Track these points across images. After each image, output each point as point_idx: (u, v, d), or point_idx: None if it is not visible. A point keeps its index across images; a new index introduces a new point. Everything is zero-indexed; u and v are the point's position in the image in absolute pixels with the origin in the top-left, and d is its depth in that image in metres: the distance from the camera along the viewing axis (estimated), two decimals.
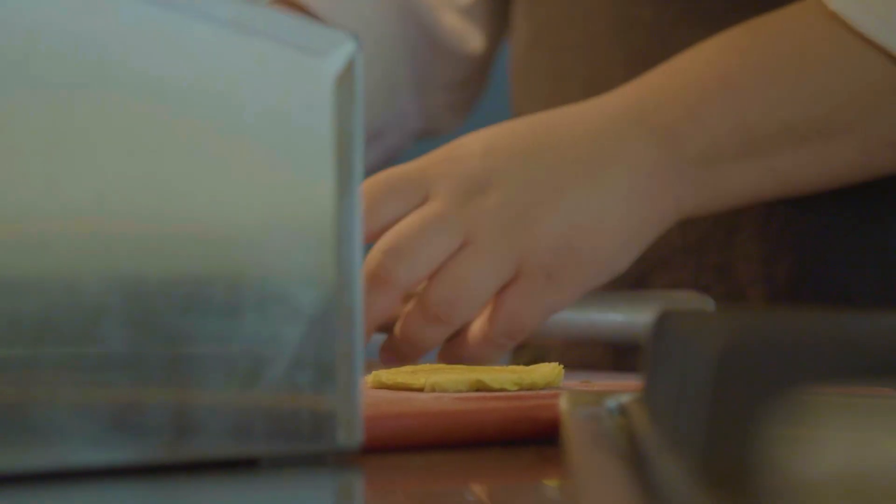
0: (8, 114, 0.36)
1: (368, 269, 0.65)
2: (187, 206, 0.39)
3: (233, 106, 0.40)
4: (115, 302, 0.37)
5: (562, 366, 0.58)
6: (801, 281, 0.77)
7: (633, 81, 0.71)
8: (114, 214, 0.37)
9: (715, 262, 0.79)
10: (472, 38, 0.94)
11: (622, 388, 0.49)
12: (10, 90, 0.36)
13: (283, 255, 0.41)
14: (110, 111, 0.37)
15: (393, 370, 0.57)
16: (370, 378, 0.57)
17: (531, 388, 0.56)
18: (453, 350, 0.69)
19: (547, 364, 0.58)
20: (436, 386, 0.54)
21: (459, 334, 0.69)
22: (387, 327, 0.69)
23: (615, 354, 0.80)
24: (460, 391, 0.54)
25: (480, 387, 0.55)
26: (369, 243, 0.67)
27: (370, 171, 0.68)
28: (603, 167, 0.68)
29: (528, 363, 0.62)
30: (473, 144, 0.69)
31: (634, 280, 0.79)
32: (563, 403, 0.45)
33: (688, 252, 0.79)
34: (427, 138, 0.99)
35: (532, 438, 0.49)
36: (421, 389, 0.55)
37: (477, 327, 0.69)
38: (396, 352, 0.68)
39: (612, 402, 0.44)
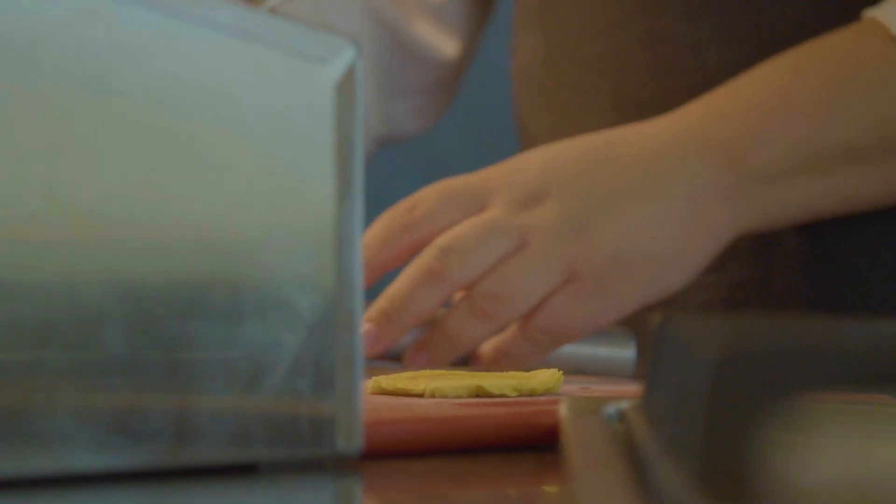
0: (10, 119, 0.36)
1: (423, 264, 0.66)
2: (188, 212, 0.39)
3: (233, 112, 0.40)
4: (116, 307, 0.37)
5: (561, 372, 0.58)
6: (840, 297, 0.77)
7: (693, 102, 0.71)
8: (115, 220, 0.38)
9: (751, 278, 0.79)
10: (445, 44, 0.94)
11: (621, 395, 0.49)
12: (12, 95, 0.36)
13: (283, 261, 0.41)
14: (112, 117, 0.38)
15: (393, 376, 0.57)
16: (370, 384, 0.57)
17: (531, 393, 0.56)
18: (492, 344, 0.69)
19: (546, 370, 0.58)
20: (436, 391, 0.55)
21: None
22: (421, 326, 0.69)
23: None
24: (460, 397, 0.55)
25: (480, 392, 0.55)
26: (416, 251, 0.68)
27: None
28: (660, 182, 0.69)
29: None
30: (532, 159, 0.70)
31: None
32: (563, 409, 0.45)
33: (721, 270, 0.79)
34: (390, 145, 0.99)
35: (531, 444, 0.49)
36: (421, 395, 0.55)
37: (517, 324, 0.69)
38: (432, 349, 0.68)
39: (611, 409, 0.44)
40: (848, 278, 0.77)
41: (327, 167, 0.42)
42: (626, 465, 0.34)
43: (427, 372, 0.60)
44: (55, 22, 0.37)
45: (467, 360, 0.70)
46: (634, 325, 0.82)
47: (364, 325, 0.64)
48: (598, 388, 0.62)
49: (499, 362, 0.69)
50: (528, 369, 0.60)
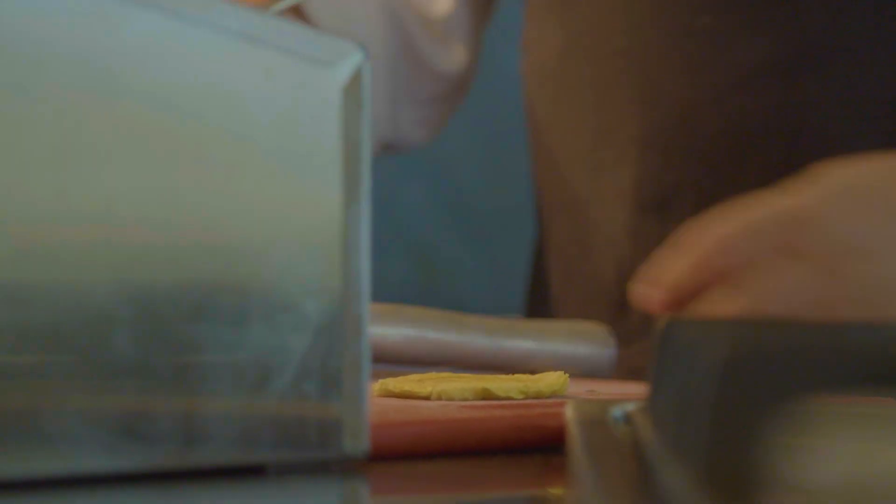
0: (19, 123, 0.36)
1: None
2: (195, 216, 0.39)
3: (241, 116, 0.40)
4: (124, 310, 0.37)
5: (567, 375, 0.58)
6: None
7: None
8: (123, 224, 0.38)
9: None
10: (455, 55, 0.93)
11: (628, 397, 0.49)
12: (21, 100, 0.36)
13: (290, 265, 0.41)
14: (120, 120, 0.38)
15: (400, 378, 0.57)
16: (377, 387, 0.57)
17: (537, 396, 0.56)
18: None
19: (552, 373, 0.58)
20: (442, 394, 0.55)
21: None
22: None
23: None
24: (466, 399, 0.55)
25: (487, 395, 0.55)
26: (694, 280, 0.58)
27: None
28: None
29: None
30: (851, 199, 0.58)
31: None
32: (569, 412, 0.45)
33: None
34: (393, 154, 0.98)
35: (538, 447, 0.49)
36: (427, 398, 0.55)
37: None
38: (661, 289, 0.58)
39: (617, 411, 0.44)
40: None
41: (334, 171, 0.42)
42: (632, 467, 0.34)
43: (433, 375, 0.60)
44: (63, 26, 0.37)
45: None
46: (623, 324, 0.81)
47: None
48: (605, 390, 0.62)
49: None
50: (532, 372, 0.60)
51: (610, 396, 0.57)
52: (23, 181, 0.36)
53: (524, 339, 0.74)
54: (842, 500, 0.23)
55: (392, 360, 0.71)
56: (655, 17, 0.81)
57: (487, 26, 0.96)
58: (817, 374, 0.26)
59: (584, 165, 0.86)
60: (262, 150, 0.41)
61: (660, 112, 0.79)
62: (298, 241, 0.41)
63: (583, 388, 0.62)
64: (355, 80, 0.43)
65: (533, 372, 0.61)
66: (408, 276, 1.34)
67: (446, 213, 1.39)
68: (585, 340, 0.74)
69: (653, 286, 0.54)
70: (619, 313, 0.84)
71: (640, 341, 0.82)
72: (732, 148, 0.80)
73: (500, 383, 0.56)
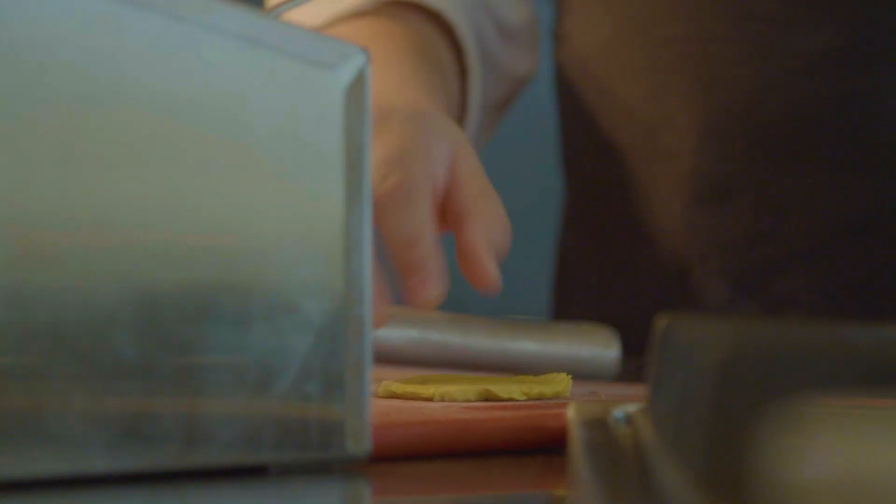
0: (22, 126, 0.36)
1: None
2: (197, 217, 0.39)
3: (242, 118, 0.40)
4: (127, 312, 0.38)
5: (570, 376, 0.58)
6: None
7: None
8: (126, 226, 0.38)
9: (843, 269, 0.77)
10: (526, 59, 0.90)
11: (629, 398, 0.49)
12: (24, 103, 0.36)
13: (292, 266, 0.41)
14: (122, 123, 0.38)
15: (403, 380, 0.58)
16: (380, 388, 0.57)
17: (539, 397, 0.56)
18: None
19: (555, 374, 0.58)
20: (445, 395, 0.55)
21: None
22: None
23: None
24: (469, 400, 0.55)
25: (489, 396, 0.55)
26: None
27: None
28: None
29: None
30: None
31: (754, 282, 0.77)
32: (570, 413, 0.45)
33: (812, 258, 0.78)
34: None
35: (539, 448, 0.49)
36: (430, 399, 0.55)
37: None
38: None
39: (619, 412, 0.44)
40: None
41: (336, 173, 0.42)
42: (633, 468, 0.34)
43: (436, 376, 0.60)
44: (64, 29, 0.37)
45: None
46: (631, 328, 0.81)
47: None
48: (608, 392, 0.62)
49: None
50: (536, 374, 0.60)
51: (612, 398, 0.57)
52: (25, 184, 0.36)
53: (527, 340, 0.74)
54: (838, 501, 0.23)
55: (395, 362, 0.71)
56: (716, 3, 0.79)
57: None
58: (812, 374, 0.26)
59: (637, 155, 0.84)
60: (265, 151, 0.41)
61: (720, 100, 0.77)
62: (300, 243, 0.41)
63: (585, 390, 0.62)
64: (357, 83, 0.43)
65: (536, 374, 0.61)
66: None
67: None
68: (589, 342, 0.74)
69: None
70: (673, 304, 0.83)
71: None
72: (796, 137, 0.78)
73: (503, 385, 0.56)
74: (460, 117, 0.84)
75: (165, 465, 0.38)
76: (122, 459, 0.38)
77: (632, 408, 0.44)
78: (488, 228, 0.59)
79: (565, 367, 0.72)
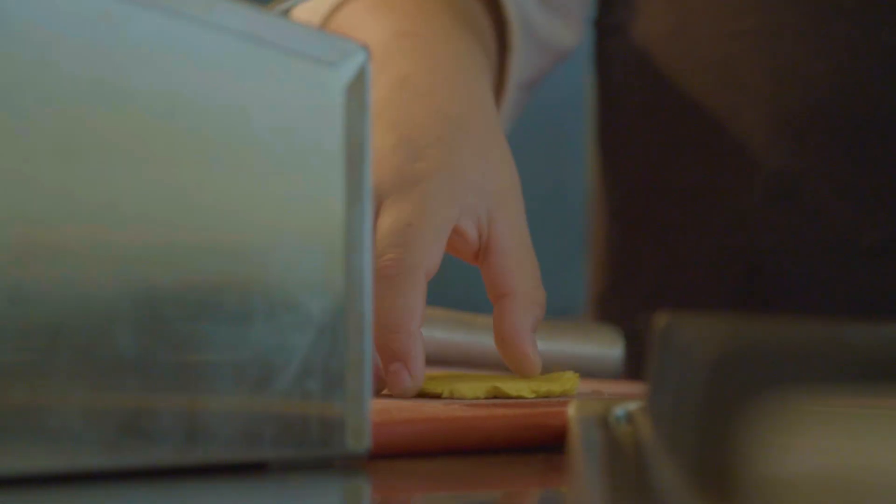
0: (22, 123, 0.36)
1: None
2: (198, 214, 0.39)
3: (243, 115, 0.40)
4: (127, 308, 0.38)
5: (577, 374, 0.58)
6: None
7: None
8: (126, 222, 0.38)
9: None
10: (570, 29, 0.87)
11: (632, 397, 0.49)
12: (24, 100, 0.36)
13: (293, 263, 0.41)
14: (122, 120, 0.38)
15: None
16: None
17: (547, 395, 0.56)
18: None
19: (563, 373, 0.58)
20: (454, 392, 0.55)
21: None
22: None
23: None
24: (478, 398, 0.55)
25: (498, 394, 0.55)
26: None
27: None
28: None
29: None
30: None
31: (829, 281, 0.77)
32: (571, 411, 0.45)
33: (873, 255, 0.77)
34: None
35: (540, 446, 0.49)
36: (440, 396, 0.55)
37: None
38: None
39: (620, 410, 0.44)
40: None
41: (337, 170, 0.42)
42: (632, 466, 0.34)
43: (445, 374, 0.60)
44: (67, 27, 0.37)
45: None
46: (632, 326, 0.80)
47: None
48: (611, 390, 0.62)
49: None
50: (544, 372, 0.60)
51: (615, 396, 0.57)
52: (26, 180, 0.36)
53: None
54: (826, 496, 0.23)
55: None
56: None
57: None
58: (806, 372, 0.26)
59: (699, 150, 0.82)
60: (265, 148, 0.41)
61: (794, 96, 0.76)
62: (301, 240, 0.41)
63: (588, 389, 0.62)
64: (358, 80, 0.43)
65: (542, 372, 0.61)
66: None
67: None
68: (593, 341, 0.74)
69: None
70: (739, 302, 0.81)
71: None
72: (876, 135, 0.77)
73: (512, 382, 0.56)
74: (497, 96, 0.81)
75: (165, 461, 0.38)
76: (122, 456, 0.38)
77: (632, 406, 0.44)
78: (529, 311, 0.59)
79: (569, 366, 0.72)
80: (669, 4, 0.82)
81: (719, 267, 0.82)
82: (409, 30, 0.66)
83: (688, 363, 0.30)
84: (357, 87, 0.43)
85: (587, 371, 0.73)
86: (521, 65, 0.83)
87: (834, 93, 0.73)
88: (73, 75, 0.37)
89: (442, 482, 0.45)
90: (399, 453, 0.46)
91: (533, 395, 0.56)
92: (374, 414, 0.44)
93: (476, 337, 0.72)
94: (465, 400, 0.54)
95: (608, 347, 0.74)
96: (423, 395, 0.56)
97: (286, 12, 0.81)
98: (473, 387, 0.55)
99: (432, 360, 0.71)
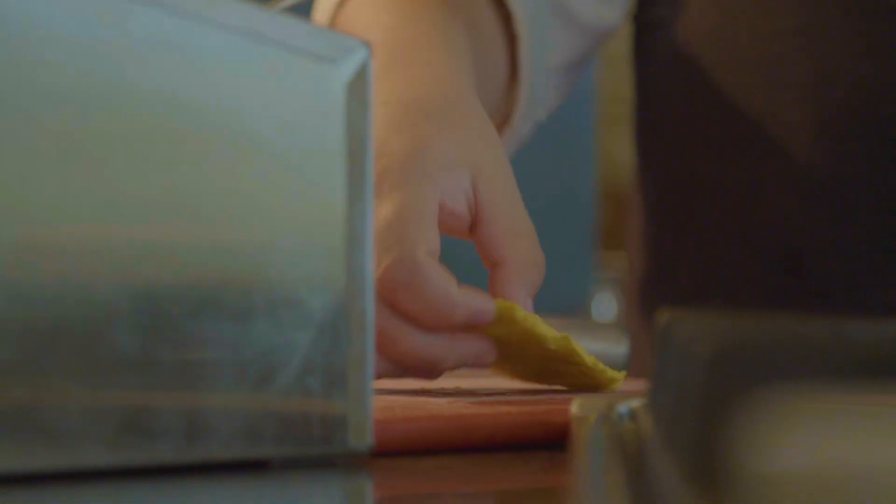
0: (22, 123, 0.36)
1: None
2: (199, 212, 0.39)
3: (244, 112, 0.40)
4: (128, 307, 0.38)
5: (624, 373, 0.59)
6: None
7: None
8: (127, 221, 0.38)
9: None
10: (611, 9, 0.85)
11: (637, 393, 0.49)
12: (24, 99, 0.36)
13: (294, 261, 0.41)
14: (123, 119, 0.38)
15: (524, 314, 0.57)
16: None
17: (598, 377, 0.57)
18: None
19: (616, 371, 0.59)
20: (535, 326, 0.55)
21: None
22: None
23: None
24: (547, 342, 0.55)
25: (566, 347, 0.55)
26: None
27: None
28: None
29: None
30: None
31: (873, 286, 0.76)
32: (574, 408, 0.45)
33: None
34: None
35: (543, 443, 0.49)
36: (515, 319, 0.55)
37: None
38: None
39: (623, 407, 0.44)
40: None
41: (339, 167, 0.42)
42: (634, 463, 0.34)
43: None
44: (67, 26, 0.37)
45: None
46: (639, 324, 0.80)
47: None
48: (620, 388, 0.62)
49: None
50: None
51: (618, 393, 0.57)
52: (27, 179, 0.36)
53: None
54: (826, 494, 0.23)
55: None
56: None
57: None
58: (804, 368, 0.26)
59: (740, 149, 0.82)
60: (266, 146, 0.41)
61: (838, 95, 0.75)
62: (302, 238, 0.41)
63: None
64: (360, 77, 0.43)
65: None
66: None
67: None
68: (598, 338, 0.74)
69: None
70: (778, 300, 0.81)
71: None
72: None
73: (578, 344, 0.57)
74: (510, 83, 0.80)
75: (166, 459, 0.38)
76: (123, 454, 0.38)
77: (635, 403, 0.44)
78: (523, 275, 0.58)
79: None
80: (713, 1, 0.82)
81: (759, 265, 0.82)
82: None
83: (687, 360, 0.30)
84: (358, 84, 0.43)
85: None
86: (546, 50, 0.82)
87: (877, 94, 0.72)
88: (72, 74, 0.37)
89: (444, 480, 0.45)
90: (401, 451, 0.46)
91: (591, 363, 0.56)
92: (377, 411, 0.44)
93: None
94: (466, 397, 0.54)
95: (614, 345, 0.74)
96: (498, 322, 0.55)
97: (287, 9, 0.81)
98: (550, 329, 0.55)
99: None
